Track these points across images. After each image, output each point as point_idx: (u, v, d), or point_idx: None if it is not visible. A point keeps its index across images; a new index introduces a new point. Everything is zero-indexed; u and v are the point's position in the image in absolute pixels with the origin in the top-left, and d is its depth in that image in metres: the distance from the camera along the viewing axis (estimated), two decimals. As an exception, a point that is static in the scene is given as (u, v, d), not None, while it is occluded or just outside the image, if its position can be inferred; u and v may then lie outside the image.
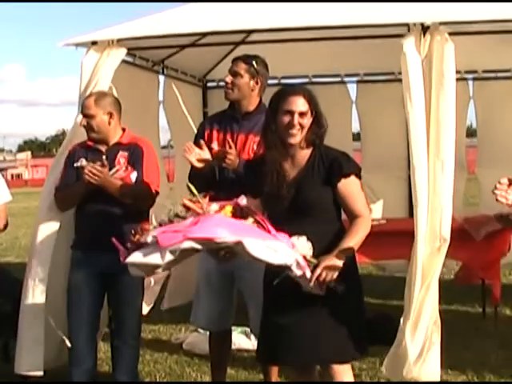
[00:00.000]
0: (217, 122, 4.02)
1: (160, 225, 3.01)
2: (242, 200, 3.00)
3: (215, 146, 3.89)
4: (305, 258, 2.92)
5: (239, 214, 2.96)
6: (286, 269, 2.89)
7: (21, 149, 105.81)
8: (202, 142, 3.86)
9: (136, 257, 2.98)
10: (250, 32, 5.65)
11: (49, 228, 4.27)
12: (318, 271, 2.90)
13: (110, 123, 3.92)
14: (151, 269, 3.05)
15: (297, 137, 3.14)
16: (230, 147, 3.75)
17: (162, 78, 6.27)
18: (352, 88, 7.09)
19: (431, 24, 3.93)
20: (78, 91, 4.47)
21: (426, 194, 3.87)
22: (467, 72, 6.71)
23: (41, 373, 4.22)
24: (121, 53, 4.48)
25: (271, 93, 3.31)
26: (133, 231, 3.09)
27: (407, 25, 4.05)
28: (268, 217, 3.08)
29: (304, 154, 3.21)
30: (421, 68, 3.91)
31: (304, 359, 3.20)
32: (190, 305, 4.30)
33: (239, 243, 2.83)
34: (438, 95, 3.86)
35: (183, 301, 5.62)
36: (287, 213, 3.11)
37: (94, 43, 4.46)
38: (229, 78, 3.90)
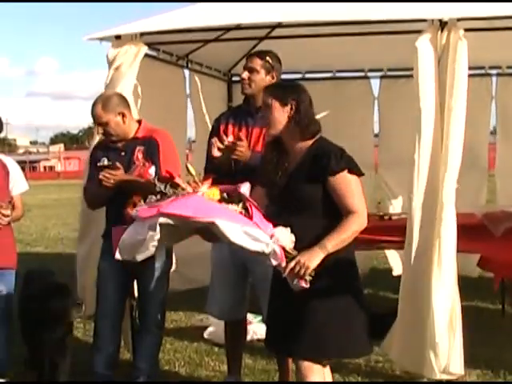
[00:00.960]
0: (232, 117, 4.10)
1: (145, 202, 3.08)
2: (245, 186, 3.03)
3: (231, 139, 3.95)
4: (284, 249, 2.93)
5: (226, 198, 2.99)
6: (263, 256, 2.91)
7: (52, 142, 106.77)
8: (224, 137, 3.92)
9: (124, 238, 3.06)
10: (273, 27, 5.69)
11: (90, 219, 4.58)
12: (292, 264, 2.91)
13: (124, 122, 3.97)
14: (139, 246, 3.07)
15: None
16: (241, 140, 3.81)
17: (187, 72, 6.32)
18: (375, 84, 7.09)
19: (449, 20, 3.92)
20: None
21: (423, 188, 3.91)
22: (491, 68, 6.68)
23: None
24: (143, 47, 4.54)
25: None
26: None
27: (428, 21, 4.03)
28: (269, 205, 3.16)
29: (302, 148, 3.20)
30: (433, 65, 3.90)
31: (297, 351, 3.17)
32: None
33: (213, 224, 2.87)
34: (451, 92, 3.86)
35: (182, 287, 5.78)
36: (280, 203, 3.16)
37: (118, 37, 4.52)
38: (245, 74, 3.97)
